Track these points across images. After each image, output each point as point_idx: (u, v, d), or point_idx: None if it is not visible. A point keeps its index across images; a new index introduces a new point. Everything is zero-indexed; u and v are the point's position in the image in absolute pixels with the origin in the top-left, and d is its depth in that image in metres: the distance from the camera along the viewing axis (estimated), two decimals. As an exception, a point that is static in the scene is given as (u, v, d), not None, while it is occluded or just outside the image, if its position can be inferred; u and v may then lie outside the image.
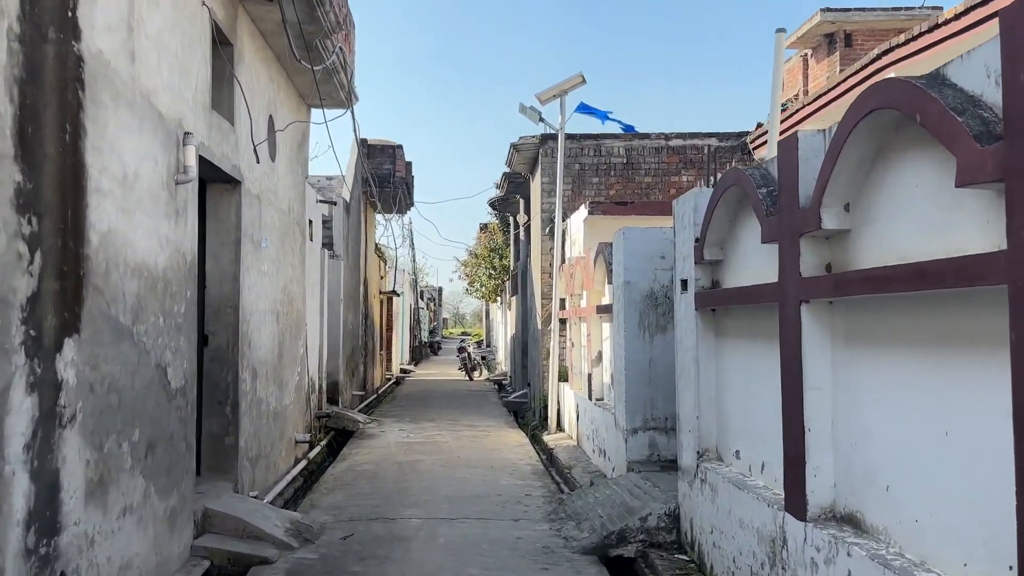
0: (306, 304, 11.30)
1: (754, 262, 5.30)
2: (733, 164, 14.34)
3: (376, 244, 22.60)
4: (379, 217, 22.72)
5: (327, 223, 15.56)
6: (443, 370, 32.37)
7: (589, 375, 10.90)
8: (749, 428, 5.46)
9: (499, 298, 29.36)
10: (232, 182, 7.59)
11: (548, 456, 11.64)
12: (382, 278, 24.41)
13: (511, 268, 22.53)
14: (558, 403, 13.34)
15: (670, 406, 8.55)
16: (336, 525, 7.32)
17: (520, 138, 14.66)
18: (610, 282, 9.48)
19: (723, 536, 5.47)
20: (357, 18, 10.95)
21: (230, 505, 6.77)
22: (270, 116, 8.83)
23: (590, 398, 10.81)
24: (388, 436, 12.81)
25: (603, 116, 14.30)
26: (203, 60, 6.51)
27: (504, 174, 17.74)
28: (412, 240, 33.43)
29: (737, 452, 5.66)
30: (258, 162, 7.85)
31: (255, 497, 7.78)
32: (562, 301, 13.72)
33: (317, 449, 11.28)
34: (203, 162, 6.64)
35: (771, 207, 4.73)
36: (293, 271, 10.18)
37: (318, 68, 8.30)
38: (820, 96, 11.24)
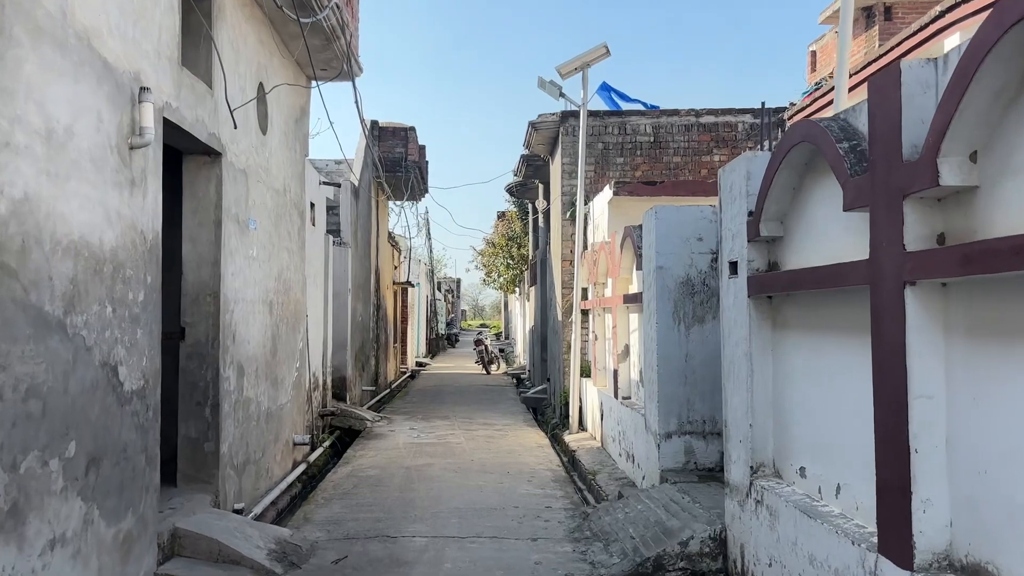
0: (307, 294, 10.40)
1: (828, 237, 4.30)
2: (771, 142, 13.26)
3: (389, 233, 21.71)
4: (392, 205, 21.83)
5: (333, 209, 14.68)
6: (460, 363, 31.49)
7: (615, 371, 9.92)
8: (819, 441, 4.47)
9: (517, 289, 28.34)
10: (211, 153, 6.68)
11: (570, 459, 10.69)
12: (396, 268, 23.53)
13: (530, 257, 21.57)
14: (580, 401, 12.39)
15: (709, 407, 7.57)
16: (329, 544, 6.40)
17: (539, 116, 13.66)
18: (639, 268, 8.49)
19: (786, 572, 4.48)
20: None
21: (205, 523, 5.87)
22: (260, 84, 7.91)
23: (616, 396, 9.84)
24: (397, 436, 11.91)
25: (624, 98, 13.27)
26: (168, 8, 5.58)
27: (522, 156, 16.75)
28: (428, 229, 32.54)
29: (802, 469, 4.67)
30: (235, 127, 6.91)
31: (239, 511, 6.89)
32: (584, 291, 12.74)
33: (319, 451, 10.40)
34: (172, 128, 5.73)
35: (856, 165, 3.73)
36: (291, 257, 9.28)
37: (306, 21, 7.35)
38: (871, 63, 10.16)
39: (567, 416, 12.98)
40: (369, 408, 15.54)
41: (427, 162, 20.36)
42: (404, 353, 26.13)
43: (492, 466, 9.66)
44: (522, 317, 27.36)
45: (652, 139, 13.43)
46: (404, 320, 26.22)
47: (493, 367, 26.44)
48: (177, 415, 6.67)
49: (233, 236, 7.05)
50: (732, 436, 5.44)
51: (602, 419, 10.83)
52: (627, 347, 9.77)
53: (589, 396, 11.91)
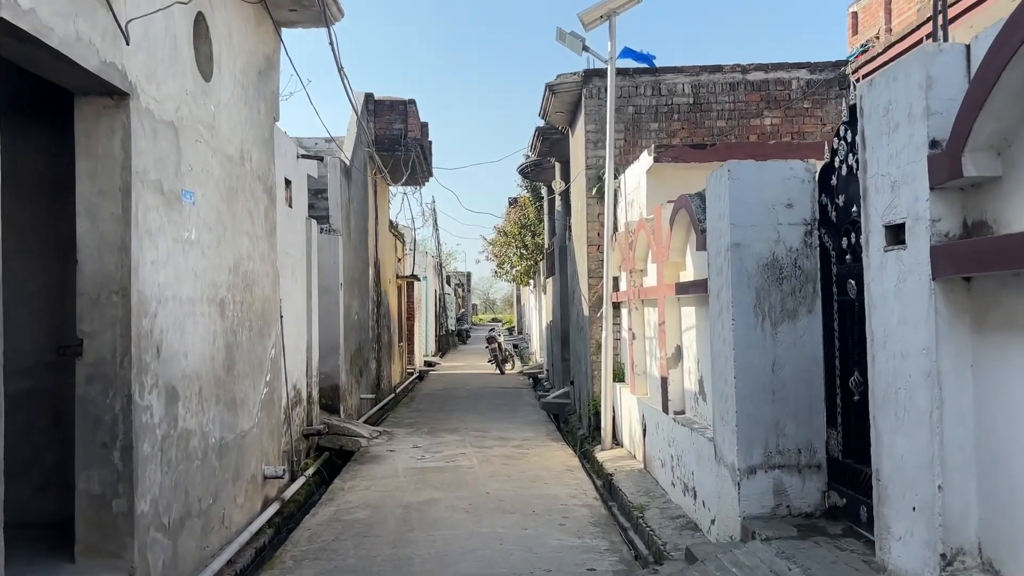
0: (281, 291, 8.49)
1: None
2: (834, 103, 11.24)
3: (391, 222, 19.79)
4: (393, 191, 19.92)
5: (321, 193, 12.77)
6: (471, 361, 29.56)
7: (663, 379, 7.96)
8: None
9: (532, 281, 26.33)
10: (113, 94, 4.75)
11: (606, 484, 8.76)
12: (400, 260, 21.61)
13: (545, 245, 19.60)
14: (614, 410, 10.44)
15: (805, 432, 5.61)
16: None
17: (558, 77, 11.67)
18: (701, 248, 6.51)
19: None
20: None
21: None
22: (199, 14, 5.97)
23: (665, 410, 7.89)
24: (397, 458, 9.98)
25: (649, 61, 11.27)
26: None
27: (537, 130, 14.76)
28: (435, 219, 30.57)
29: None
30: (146, 55, 4.94)
31: (165, 593, 4.98)
32: (615, 280, 10.79)
33: (299, 484, 8.49)
34: (23, 40, 3.80)
35: None
36: (254, 244, 7.35)
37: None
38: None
39: (597, 428, 11.04)
40: (367, 421, 13.62)
41: (431, 142, 18.40)
42: (411, 353, 24.24)
43: (512, 501, 7.73)
44: (537, 311, 25.40)
45: (691, 101, 11.43)
46: (410, 317, 24.32)
47: (507, 366, 24.50)
48: (74, 463, 4.77)
49: (154, 211, 5.13)
50: (896, 498, 3.48)
51: (644, 435, 8.88)
52: (679, 349, 7.81)
53: (625, 405, 9.96)
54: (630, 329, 9.66)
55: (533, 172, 18.39)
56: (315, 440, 10.01)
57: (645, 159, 9.29)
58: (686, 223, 7.15)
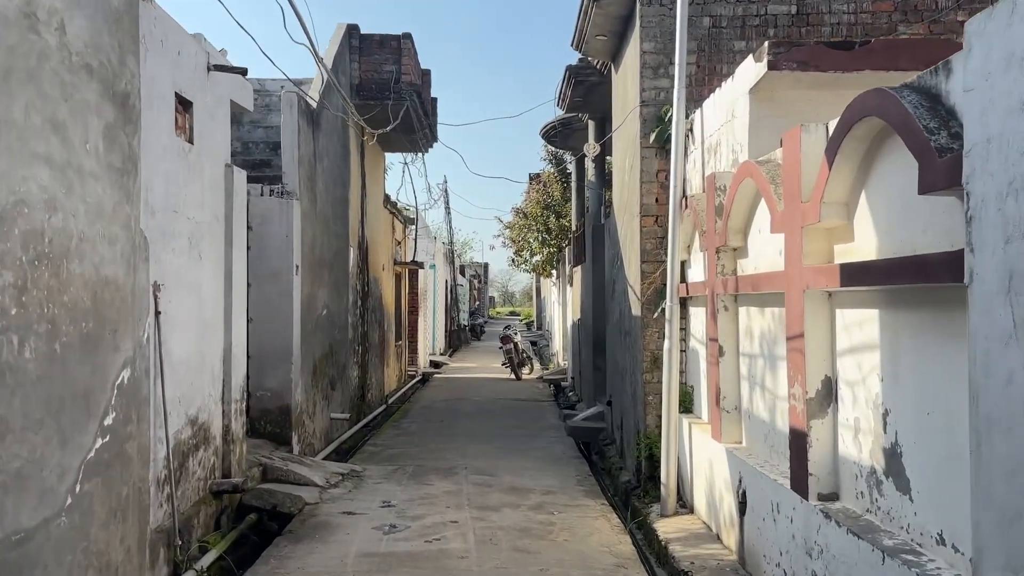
0: (159, 271, 5.21)
1: None
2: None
3: (387, 196, 16.45)
4: (391, 160, 16.60)
5: (273, 147, 9.54)
6: (484, 362, 26.18)
7: (796, 434, 4.55)
8: None
9: (555, 271, 22.81)
10: None
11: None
12: (398, 244, 18.27)
13: (573, 228, 16.19)
14: (677, 458, 7.07)
15: None
16: None
17: (601, -24, 8.25)
18: (930, 189, 3.10)
19: None
20: None
21: None
22: None
23: (801, 491, 4.48)
24: (354, 528, 6.61)
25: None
26: None
27: (568, 71, 11.31)
28: (447, 200, 27.12)
29: None
30: None
31: None
32: (682, 266, 7.41)
33: (175, 590, 5.17)
34: None
35: None
36: (70, 184, 4.06)
37: None
38: None
39: (652, 477, 7.68)
40: (338, 450, 10.31)
41: (435, 99, 15.02)
42: (413, 352, 20.93)
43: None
44: (560, 305, 21.97)
45: (794, 10, 7.98)
46: (413, 311, 21.01)
47: (524, 370, 21.09)
48: None
49: None
50: None
51: (742, 513, 5.49)
52: (829, 383, 4.39)
53: (702, 454, 6.57)
54: (713, 339, 6.24)
55: (560, 136, 14.95)
56: (232, 499, 6.70)
57: (749, 71, 5.84)
58: (854, 154, 3.76)
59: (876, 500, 3.90)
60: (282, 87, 10.59)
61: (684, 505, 7.17)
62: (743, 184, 5.50)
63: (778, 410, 5.17)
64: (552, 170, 21.68)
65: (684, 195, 7.22)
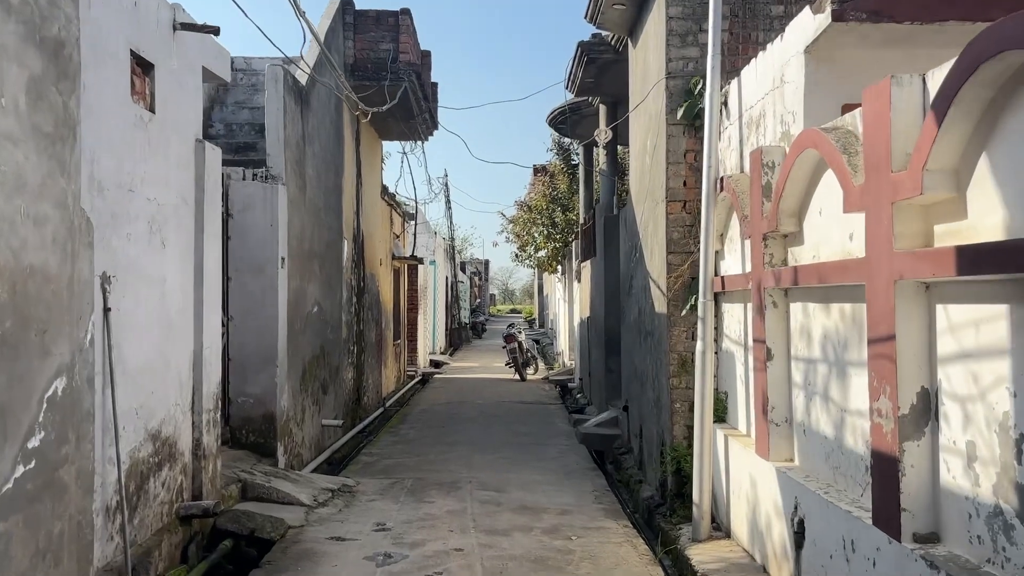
0: (110, 261, 4.38)
1: None
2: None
3: (385, 188, 15.58)
4: (388, 149, 15.72)
5: (256, 129, 8.74)
6: (486, 361, 25.32)
7: (884, 459, 3.68)
8: None
9: (561, 267, 21.90)
10: None
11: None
12: (397, 238, 17.42)
13: (581, 221, 15.33)
14: (712, 471, 6.22)
15: None
16: None
17: (621, -65, 7.40)
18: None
19: None
20: None
21: None
22: None
23: (891, 530, 3.62)
24: (343, 558, 5.75)
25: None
26: None
27: (580, 48, 10.42)
28: (448, 195, 26.27)
29: None
30: None
31: None
32: (716, 256, 6.55)
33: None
34: None
35: None
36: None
37: None
38: None
39: (679, 494, 6.84)
40: (330, 461, 9.47)
41: (435, 84, 14.16)
42: (412, 352, 20.07)
43: None
44: (566, 303, 21.11)
45: (839, -30, 7.11)
46: (412, 308, 20.16)
47: (529, 370, 20.24)
48: None
49: None
50: None
51: (798, 547, 4.64)
52: (927, 396, 3.53)
53: (742, 470, 5.72)
54: (760, 341, 5.38)
55: (568, 123, 14.07)
56: (209, 523, 5.85)
57: (806, 26, 4.97)
58: (982, 104, 2.90)
59: (1002, 548, 3.05)
60: (270, 64, 9.72)
61: (718, 527, 6.32)
62: (801, 157, 4.64)
63: (848, 426, 4.32)
64: (558, 162, 20.78)
65: (719, 178, 6.36)
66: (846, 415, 4.35)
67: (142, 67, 5.08)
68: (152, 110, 5.17)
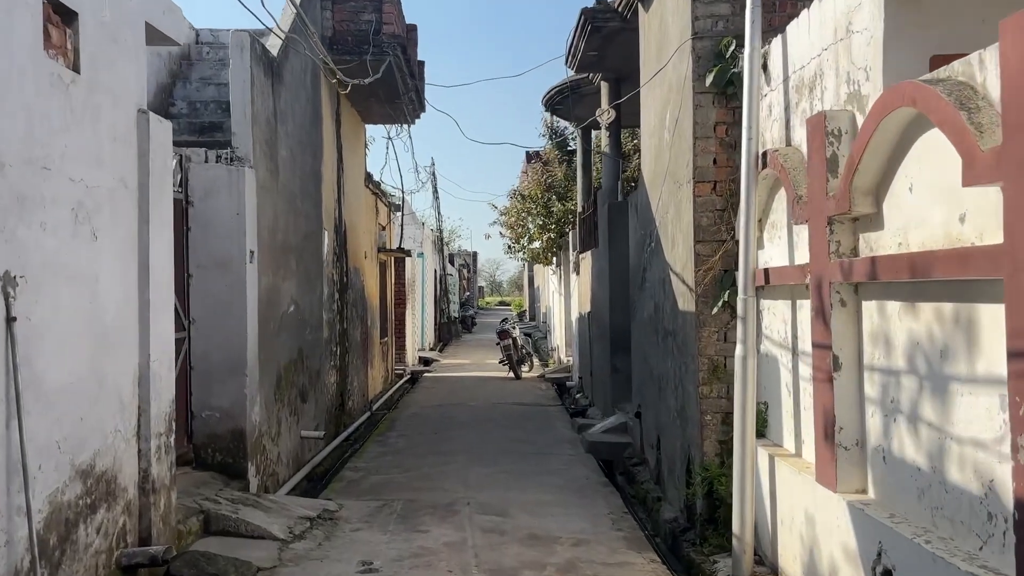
0: (4, 259, 3.38)
1: None
2: None
3: (369, 175, 14.58)
4: (371, 133, 14.75)
5: (220, 105, 7.80)
6: (477, 358, 24.37)
7: (1031, 511, 2.77)
8: None
9: (556, 258, 20.91)
10: None
11: None
12: (383, 229, 16.42)
13: (579, 209, 14.39)
14: (754, 503, 5.31)
15: None
16: None
17: None
18: None
19: None
20: None
21: None
22: None
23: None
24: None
25: None
26: None
27: (583, 15, 9.43)
28: (435, 185, 25.27)
29: None
30: None
31: None
32: (758, 243, 5.60)
33: None
34: None
35: None
36: None
37: None
38: None
39: (711, 519, 5.92)
40: (309, 477, 8.51)
41: (422, 62, 13.16)
42: (401, 349, 19.11)
43: None
44: (562, 296, 20.17)
45: (890, -86, 6.18)
46: (400, 303, 19.19)
47: (524, 367, 19.31)
48: None
49: None
50: None
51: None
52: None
53: (792, 496, 4.81)
54: (824, 347, 4.44)
55: (567, 103, 13.10)
56: (162, 570, 4.87)
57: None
58: None
59: None
60: (234, 31, 8.70)
61: (761, 561, 5.42)
62: (889, 119, 3.70)
63: (953, 457, 3.41)
64: (553, 147, 19.77)
65: (760, 156, 5.43)
66: (949, 443, 3.44)
67: (61, 15, 4.09)
68: (76, 69, 4.18)
